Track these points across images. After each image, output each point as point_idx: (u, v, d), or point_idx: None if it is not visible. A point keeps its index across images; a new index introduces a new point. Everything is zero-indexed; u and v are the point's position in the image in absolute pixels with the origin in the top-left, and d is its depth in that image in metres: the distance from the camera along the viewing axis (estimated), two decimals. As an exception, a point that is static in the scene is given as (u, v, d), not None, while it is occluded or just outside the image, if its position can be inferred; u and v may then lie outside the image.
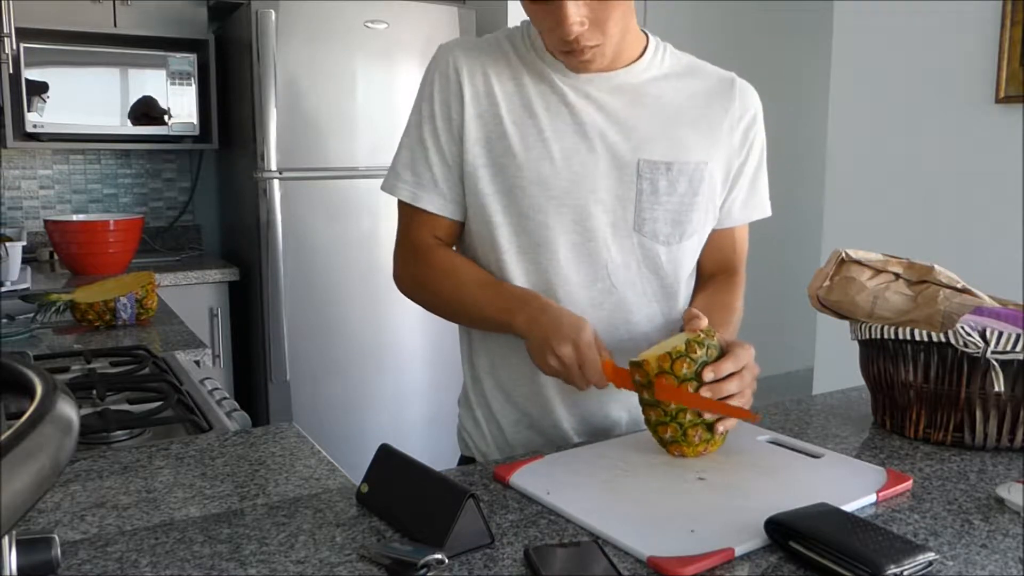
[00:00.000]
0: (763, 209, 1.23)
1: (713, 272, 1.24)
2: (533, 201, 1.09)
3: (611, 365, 1.01)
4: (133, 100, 2.95)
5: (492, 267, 1.14)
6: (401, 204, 1.17)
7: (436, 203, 1.14)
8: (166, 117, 2.97)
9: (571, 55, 1.05)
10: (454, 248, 1.20)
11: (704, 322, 0.99)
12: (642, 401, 0.99)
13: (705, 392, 0.94)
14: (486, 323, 1.14)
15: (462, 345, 1.24)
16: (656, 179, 1.10)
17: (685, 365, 0.95)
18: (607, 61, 1.08)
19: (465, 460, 1.26)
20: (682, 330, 1.01)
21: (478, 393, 1.21)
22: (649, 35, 1.16)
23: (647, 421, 0.99)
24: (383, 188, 1.18)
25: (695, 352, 0.95)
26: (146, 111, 2.96)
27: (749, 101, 1.18)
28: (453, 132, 1.11)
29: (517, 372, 1.15)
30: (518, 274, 1.12)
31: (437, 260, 1.15)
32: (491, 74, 1.11)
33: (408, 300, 1.20)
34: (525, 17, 1.09)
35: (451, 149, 1.12)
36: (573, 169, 1.09)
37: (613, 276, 1.12)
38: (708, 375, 0.95)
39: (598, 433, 1.16)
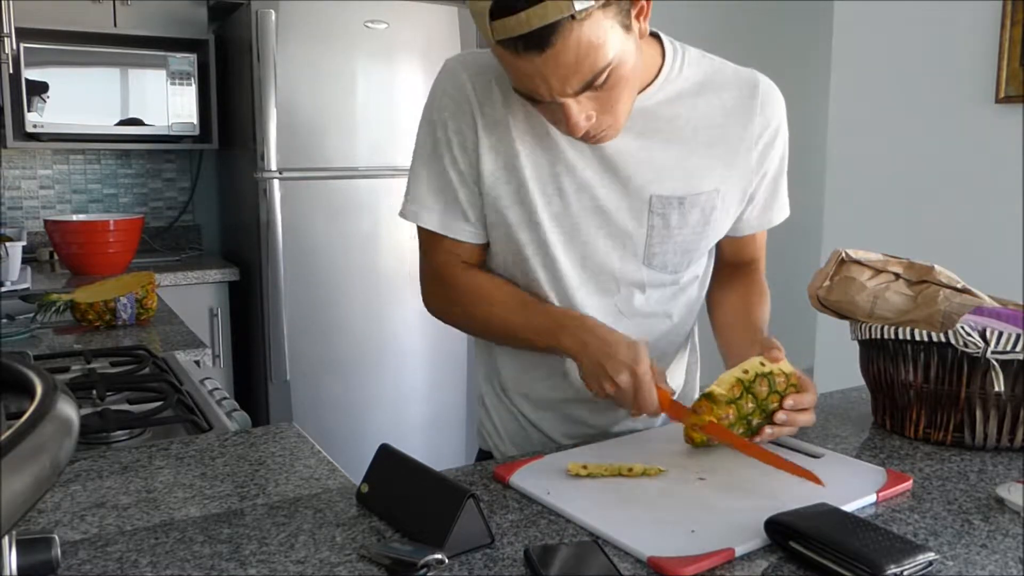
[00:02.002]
0: (782, 213, 1.19)
1: (733, 270, 1.22)
2: (547, 235, 1.06)
3: (668, 397, 0.99)
4: (133, 100, 2.95)
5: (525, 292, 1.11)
6: (423, 230, 1.11)
7: (465, 231, 1.09)
8: (155, 120, 2.97)
9: (583, 139, 0.99)
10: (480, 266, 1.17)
11: (781, 354, 0.98)
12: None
13: (780, 415, 0.95)
14: (525, 344, 1.10)
15: (479, 351, 1.23)
16: (668, 214, 1.06)
17: (750, 401, 0.96)
18: (619, 131, 1.00)
19: (483, 455, 1.26)
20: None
21: (496, 391, 1.21)
22: (665, 42, 1.06)
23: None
24: (404, 216, 1.11)
25: (762, 389, 0.96)
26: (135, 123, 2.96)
27: (771, 112, 1.09)
28: (470, 157, 1.05)
29: (541, 377, 1.14)
30: (551, 301, 1.10)
31: (466, 283, 1.11)
32: (503, 100, 1.03)
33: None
34: None
35: (472, 175, 1.06)
36: (584, 203, 1.05)
37: (622, 307, 1.11)
38: (789, 403, 0.95)
39: (623, 431, 1.16)
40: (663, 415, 1.21)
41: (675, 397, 1.23)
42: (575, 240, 1.07)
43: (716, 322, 1.21)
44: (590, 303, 1.10)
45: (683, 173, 1.05)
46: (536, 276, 1.09)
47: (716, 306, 1.22)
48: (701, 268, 1.17)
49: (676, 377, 1.23)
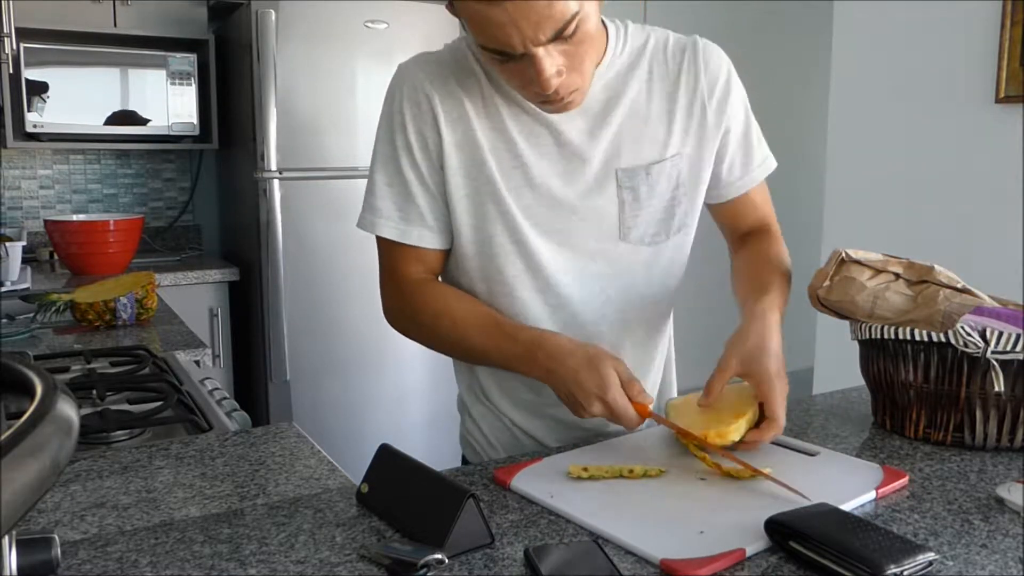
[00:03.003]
0: (767, 164, 1.17)
1: (744, 234, 1.22)
2: (520, 228, 1.06)
3: (647, 411, 0.97)
4: (133, 99, 2.95)
5: (495, 294, 1.10)
6: (382, 240, 1.09)
7: (425, 237, 1.07)
8: (155, 120, 2.98)
9: (549, 103, 0.98)
10: (441, 276, 1.15)
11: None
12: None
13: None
14: (493, 364, 1.09)
15: (456, 363, 1.21)
16: (636, 186, 1.07)
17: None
18: (585, 96, 1.01)
19: (468, 464, 1.25)
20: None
21: (481, 400, 1.19)
22: (606, 22, 1.08)
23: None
24: (361, 226, 1.09)
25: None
26: (127, 121, 2.96)
27: (715, 68, 1.10)
28: (433, 160, 1.05)
29: (522, 385, 1.14)
30: (523, 299, 1.09)
31: (430, 299, 1.08)
32: (462, 96, 1.04)
33: None
34: None
35: (433, 178, 1.06)
36: (552, 192, 1.05)
37: (608, 289, 1.11)
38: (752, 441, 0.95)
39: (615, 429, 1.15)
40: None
41: (655, 391, 1.22)
42: (550, 229, 1.07)
43: (733, 281, 1.19)
44: (573, 289, 1.10)
45: (644, 143, 1.07)
46: (513, 270, 1.08)
47: (733, 270, 1.19)
48: (682, 252, 1.16)
49: (655, 371, 1.22)
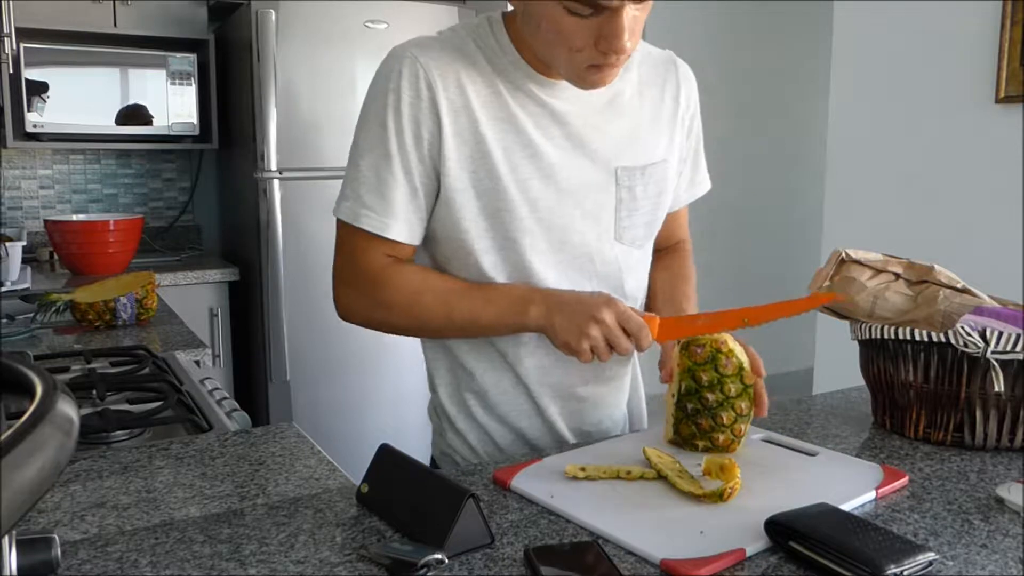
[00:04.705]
0: (704, 185, 1.24)
1: (661, 246, 1.25)
2: (521, 224, 1.03)
3: (656, 319, 1.00)
4: (133, 100, 2.95)
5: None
6: (348, 228, 1.06)
7: (403, 232, 1.03)
8: (155, 120, 2.98)
9: (599, 69, 0.96)
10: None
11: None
12: (682, 391, 1.00)
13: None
14: (484, 329, 1.05)
15: (435, 369, 1.15)
16: (633, 185, 1.09)
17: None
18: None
19: None
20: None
21: (465, 415, 1.14)
22: None
23: (677, 419, 1.00)
24: (340, 214, 1.06)
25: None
26: (134, 119, 2.96)
27: (690, 86, 1.16)
28: (423, 151, 1.01)
29: (504, 388, 1.11)
30: None
31: (404, 278, 1.05)
32: (465, 83, 1.00)
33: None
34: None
35: (419, 170, 1.01)
36: (560, 185, 1.04)
37: (600, 289, 1.09)
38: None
39: (596, 438, 1.15)
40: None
41: (627, 398, 1.22)
42: (553, 225, 1.05)
43: (649, 298, 1.22)
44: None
45: (640, 144, 1.10)
46: (498, 273, 1.05)
47: (651, 282, 1.22)
48: (650, 255, 1.18)
49: (628, 375, 1.21)
